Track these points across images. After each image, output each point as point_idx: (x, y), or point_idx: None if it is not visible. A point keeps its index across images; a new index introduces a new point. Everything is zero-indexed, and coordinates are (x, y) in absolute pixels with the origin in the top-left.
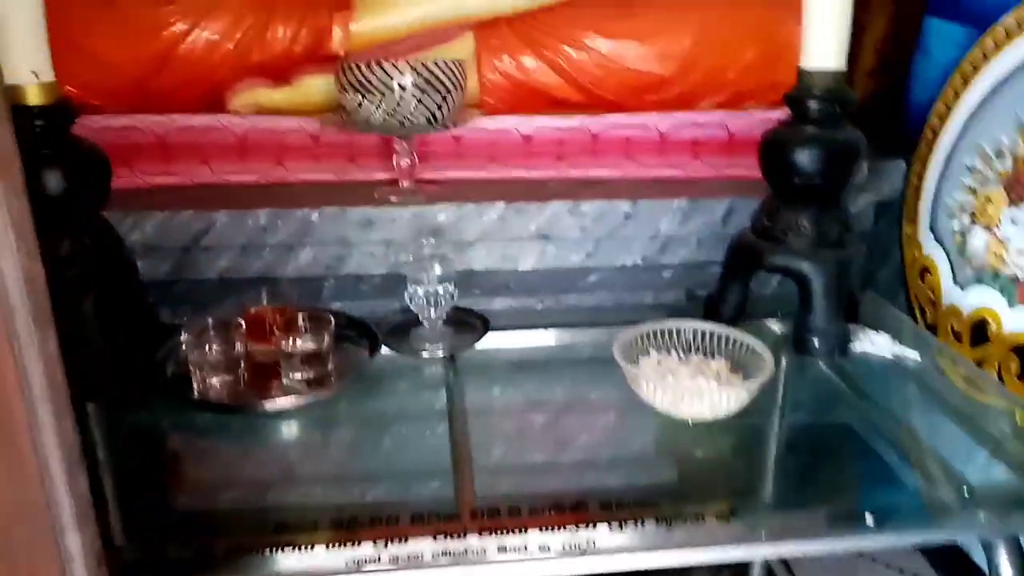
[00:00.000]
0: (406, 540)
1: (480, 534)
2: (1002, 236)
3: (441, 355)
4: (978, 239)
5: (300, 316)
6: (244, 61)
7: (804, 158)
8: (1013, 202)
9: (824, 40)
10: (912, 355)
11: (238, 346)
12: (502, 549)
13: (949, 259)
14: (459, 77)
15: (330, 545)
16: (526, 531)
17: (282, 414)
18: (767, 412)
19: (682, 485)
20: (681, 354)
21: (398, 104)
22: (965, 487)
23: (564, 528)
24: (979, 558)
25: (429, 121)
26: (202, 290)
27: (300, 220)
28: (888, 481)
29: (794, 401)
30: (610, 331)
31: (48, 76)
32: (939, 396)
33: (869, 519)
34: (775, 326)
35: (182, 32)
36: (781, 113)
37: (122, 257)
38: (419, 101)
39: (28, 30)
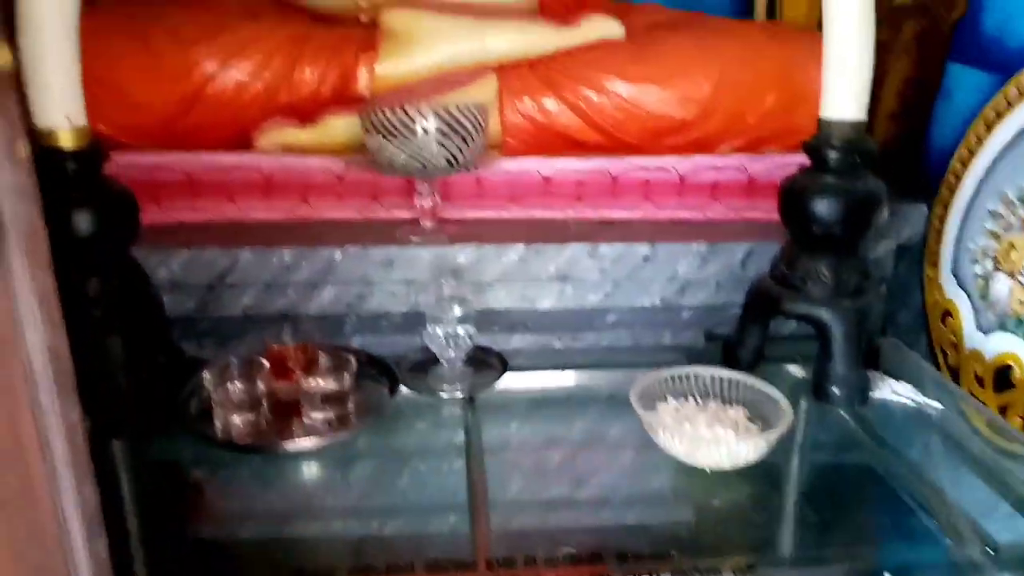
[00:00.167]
0: None
1: None
2: None
3: (460, 396)
4: (1001, 285)
5: (321, 355)
6: (272, 101)
7: (823, 207)
8: None
9: (844, 90)
10: (933, 404)
11: (260, 384)
12: None
13: (972, 303)
14: (480, 121)
15: None
16: None
17: (302, 454)
18: (786, 461)
19: (699, 536)
20: (699, 400)
21: (419, 147)
22: (988, 544)
23: None
24: None
25: (449, 163)
26: (226, 326)
27: (323, 259)
28: (909, 536)
29: (813, 450)
30: (628, 373)
31: (80, 120)
32: (961, 446)
33: None
34: (794, 370)
35: (212, 73)
36: (801, 157)
37: (148, 295)
38: (440, 144)
39: (62, 75)
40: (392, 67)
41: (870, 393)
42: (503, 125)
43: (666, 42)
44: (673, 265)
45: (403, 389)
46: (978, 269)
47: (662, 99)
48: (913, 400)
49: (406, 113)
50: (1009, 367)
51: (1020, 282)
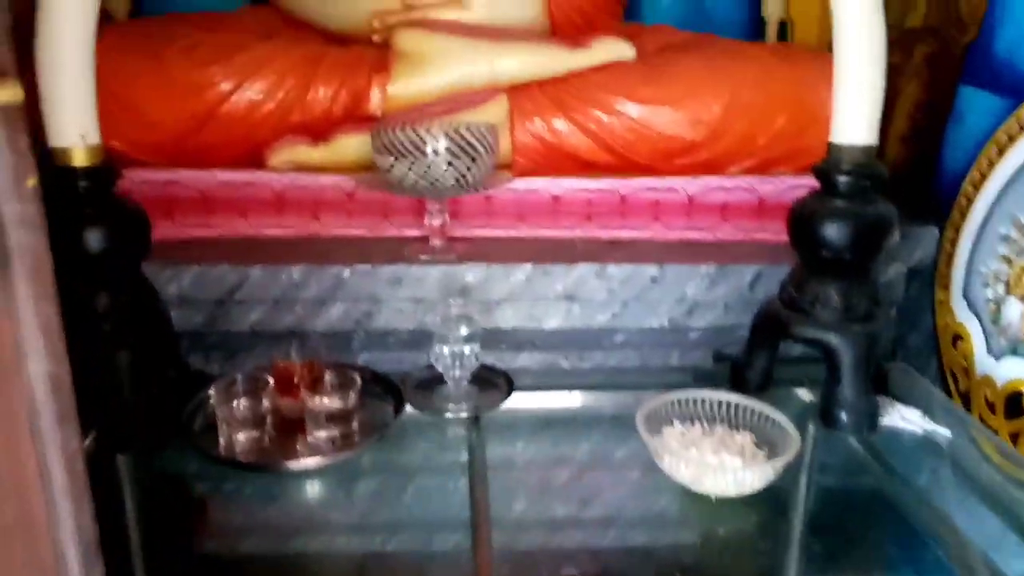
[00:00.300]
0: None
1: None
2: None
3: (465, 415)
4: (1013, 310)
5: (327, 373)
6: (285, 120)
7: (833, 232)
8: None
9: (855, 114)
10: (943, 431)
11: (265, 401)
12: None
13: (983, 328)
14: (490, 142)
15: None
16: None
17: (305, 472)
18: (793, 487)
19: (703, 564)
20: (705, 425)
21: (428, 167)
22: None
23: None
24: None
25: (458, 183)
26: (234, 341)
27: (332, 276)
28: (917, 567)
29: (821, 477)
30: (635, 394)
31: (94, 139)
32: (971, 474)
33: None
34: (803, 394)
35: (226, 92)
36: (811, 179)
37: (157, 310)
38: (450, 164)
39: (78, 94)
40: (404, 87)
41: (879, 420)
42: (513, 145)
43: (677, 64)
44: (681, 286)
45: (408, 408)
46: (989, 293)
47: (672, 120)
48: (922, 427)
49: (416, 133)
50: (1021, 394)
51: None
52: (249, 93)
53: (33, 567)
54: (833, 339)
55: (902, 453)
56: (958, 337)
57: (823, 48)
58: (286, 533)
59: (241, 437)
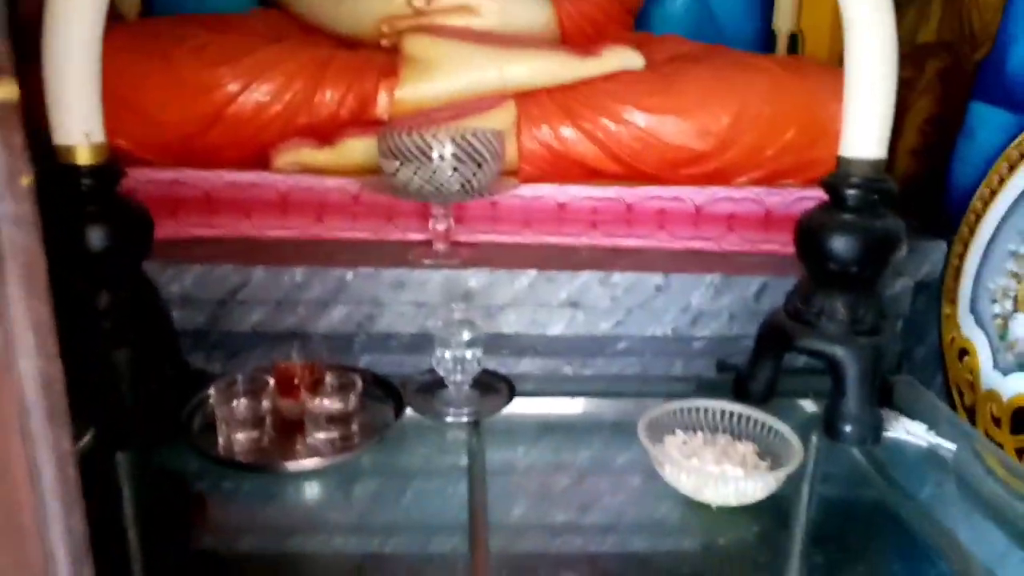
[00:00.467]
0: None
1: None
2: None
3: (465, 420)
4: (1020, 325)
5: (328, 375)
6: (291, 123)
7: (840, 245)
8: None
9: (864, 128)
10: (948, 446)
11: (265, 402)
12: None
13: (990, 343)
14: (496, 148)
15: None
16: None
17: (303, 474)
18: (794, 499)
19: (702, 574)
20: (708, 434)
21: (434, 172)
22: None
23: None
24: None
25: (464, 188)
26: (235, 341)
27: (335, 279)
28: None
29: (823, 489)
30: (637, 402)
31: (99, 137)
32: (976, 489)
33: None
34: (806, 405)
35: (234, 93)
36: (819, 191)
37: (157, 309)
38: (455, 169)
39: (83, 92)
40: (412, 92)
41: (883, 433)
42: (520, 152)
43: (686, 74)
44: (686, 296)
45: (408, 411)
46: (997, 309)
47: (680, 130)
48: (927, 441)
49: (423, 138)
50: None
51: None
52: (256, 95)
53: (21, 571)
54: (839, 352)
55: (906, 466)
56: (964, 352)
57: (834, 61)
58: (284, 533)
59: (240, 437)
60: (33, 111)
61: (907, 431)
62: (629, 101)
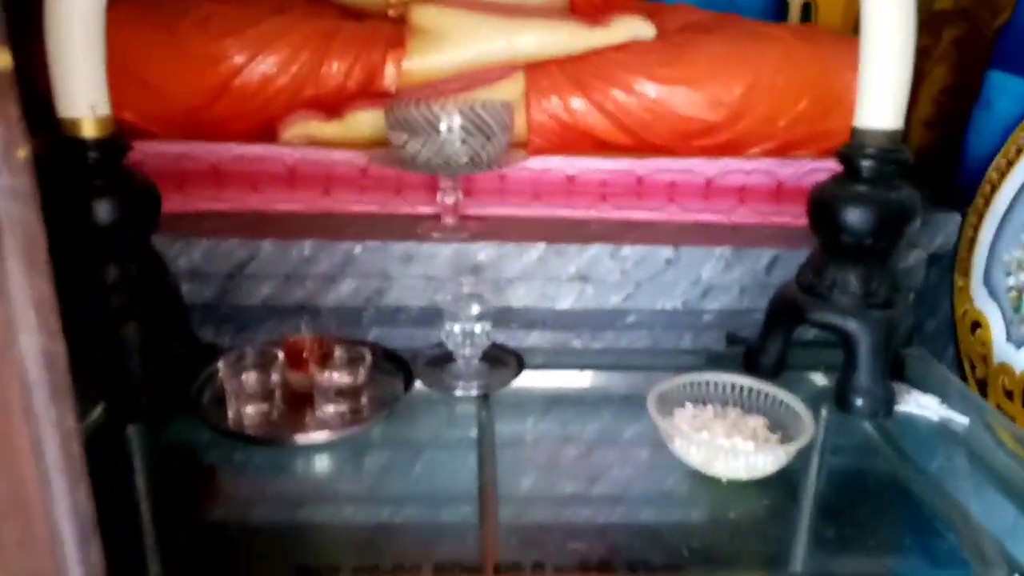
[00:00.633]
0: None
1: None
2: None
3: (475, 394)
4: None
5: (337, 348)
6: (298, 95)
7: (854, 217)
8: None
9: (880, 98)
10: (960, 419)
11: (274, 375)
12: None
13: (1003, 315)
14: (505, 119)
15: None
16: None
17: (313, 447)
18: (805, 472)
19: (712, 547)
20: (718, 407)
21: (442, 144)
22: (1015, 569)
23: None
24: None
25: (472, 161)
26: (244, 315)
27: (343, 252)
28: (931, 557)
29: (834, 463)
30: (647, 375)
31: (104, 110)
32: (987, 463)
33: None
34: (817, 378)
35: (240, 64)
36: (831, 163)
37: (166, 283)
38: (463, 141)
39: (88, 64)
40: (419, 63)
41: (895, 407)
42: (529, 124)
43: (697, 44)
44: (697, 269)
45: (418, 385)
46: (1011, 281)
47: (691, 101)
48: (939, 414)
49: (431, 110)
50: None
51: None
52: (262, 66)
53: (27, 548)
54: (851, 325)
55: (917, 440)
56: (977, 324)
57: (847, 29)
58: (294, 506)
59: (250, 410)
60: (41, 84)
61: (919, 404)
62: (640, 72)
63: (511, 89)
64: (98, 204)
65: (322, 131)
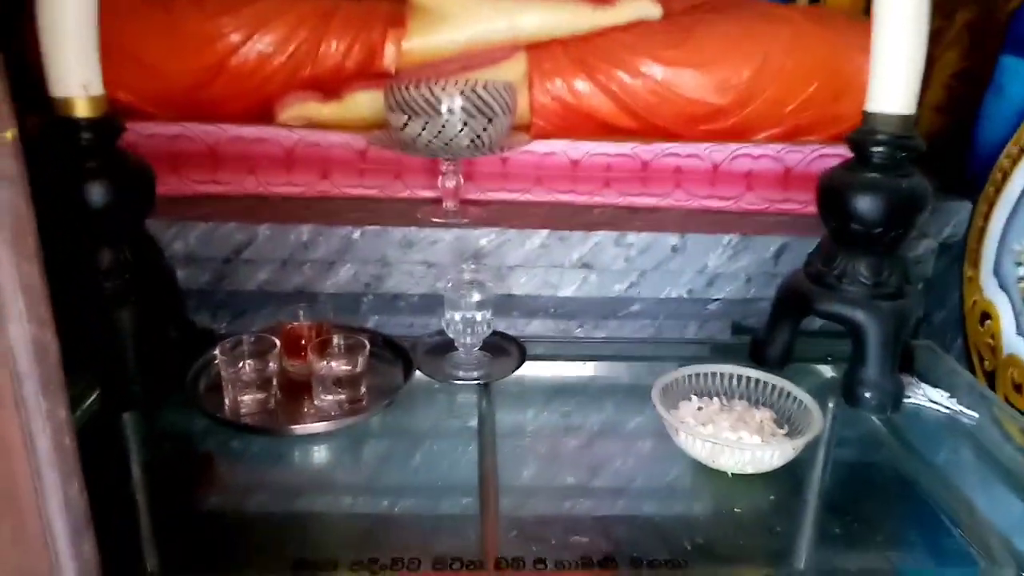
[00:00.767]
0: None
1: None
2: None
3: (475, 383)
4: None
5: (336, 336)
6: (296, 75)
7: (865, 205)
8: None
9: (893, 82)
10: (968, 413)
11: (271, 363)
12: None
13: (1013, 306)
14: (507, 101)
15: None
16: None
17: (311, 437)
18: (811, 466)
19: (715, 542)
20: (724, 400)
21: (443, 126)
22: (1022, 565)
23: None
24: None
25: (473, 144)
26: (241, 300)
27: (341, 237)
28: (937, 552)
29: (840, 456)
30: (651, 365)
31: (97, 90)
32: (995, 458)
33: None
34: (824, 370)
35: (236, 43)
36: (840, 148)
37: (161, 267)
38: (465, 124)
39: (80, 42)
40: (420, 43)
41: (903, 400)
42: (532, 106)
43: (705, 25)
44: (703, 257)
45: (418, 374)
46: (1022, 272)
47: (699, 84)
48: (947, 407)
49: (431, 91)
50: None
51: None
52: (259, 45)
53: (20, 545)
54: (860, 316)
55: (925, 433)
56: (986, 315)
57: (856, 12)
58: (291, 495)
59: (247, 399)
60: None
61: (928, 398)
62: (645, 53)
63: (513, 70)
64: (91, 187)
65: (320, 112)
